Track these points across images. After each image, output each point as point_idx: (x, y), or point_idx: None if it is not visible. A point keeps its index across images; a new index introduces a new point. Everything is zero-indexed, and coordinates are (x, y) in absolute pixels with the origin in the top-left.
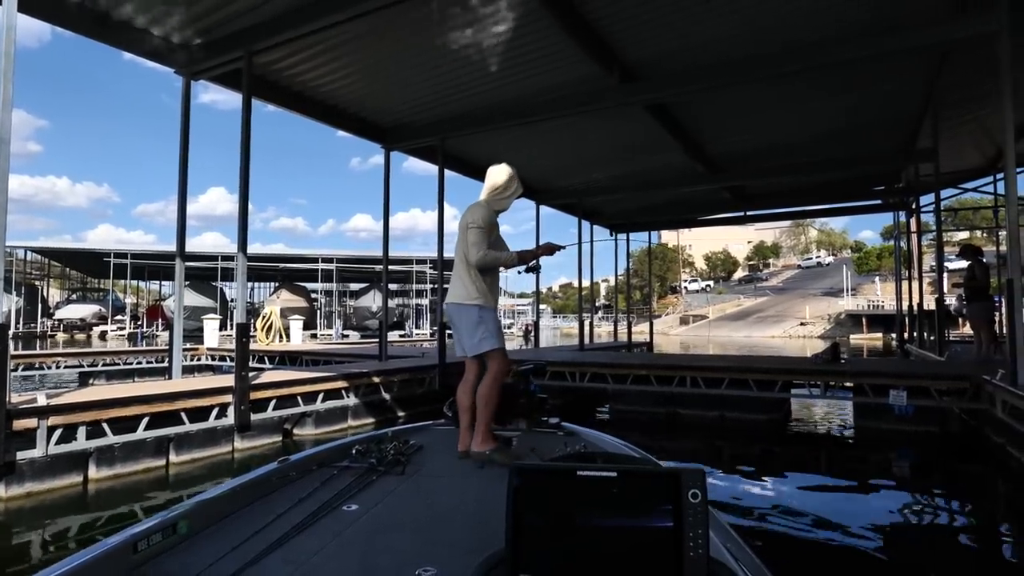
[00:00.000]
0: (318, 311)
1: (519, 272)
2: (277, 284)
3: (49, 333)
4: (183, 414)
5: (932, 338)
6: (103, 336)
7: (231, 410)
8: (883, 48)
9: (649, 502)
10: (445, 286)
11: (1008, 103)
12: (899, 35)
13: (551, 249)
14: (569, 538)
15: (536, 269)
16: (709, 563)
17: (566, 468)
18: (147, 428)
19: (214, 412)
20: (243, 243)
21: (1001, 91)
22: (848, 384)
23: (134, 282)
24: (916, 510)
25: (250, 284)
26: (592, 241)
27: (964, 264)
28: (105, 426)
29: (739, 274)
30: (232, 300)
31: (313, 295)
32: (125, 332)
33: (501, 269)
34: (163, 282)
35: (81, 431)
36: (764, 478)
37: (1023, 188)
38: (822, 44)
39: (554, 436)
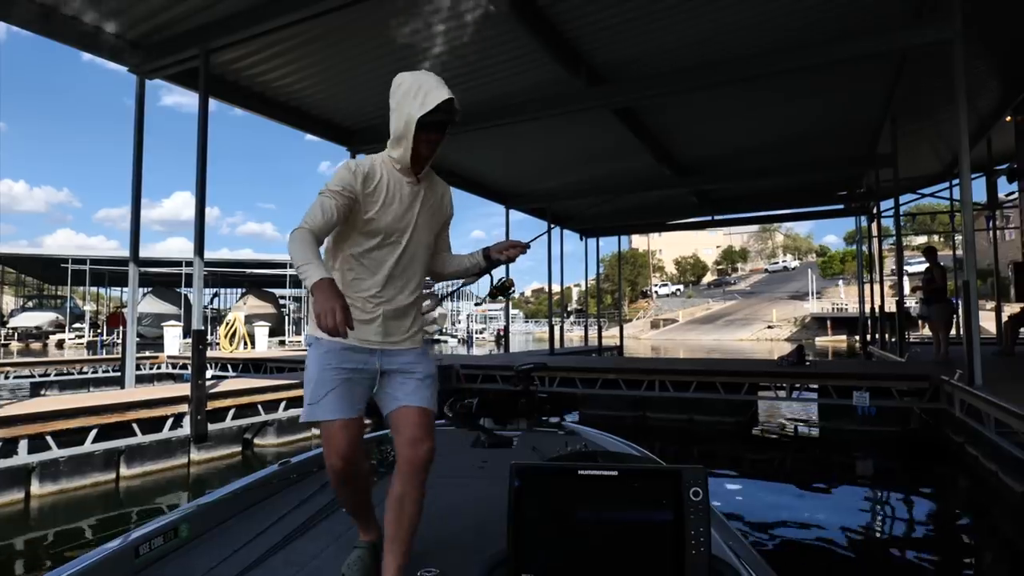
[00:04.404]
0: (287, 317)
1: (483, 300)
2: (244, 290)
3: (2, 342)
4: (135, 425)
5: (893, 340)
6: (60, 345)
7: (187, 420)
8: (842, 53)
9: (650, 500)
10: None
11: (963, 110)
12: (858, 41)
13: (512, 250)
14: (571, 537)
15: (505, 290)
16: (711, 561)
17: (567, 467)
18: (96, 440)
19: (168, 423)
20: (200, 247)
21: (956, 98)
22: (813, 386)
23: (94, 289)
24: (879, 510)
25: (217, 290)
26: (558, 231)
27: (924, 267)
28: (49, 439)
29: (708, 278)
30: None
31: (282, 301)
32: (84, 341)
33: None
34: (124, 289)
35: (23, 444)
36: (732, 480)
37: (978, 194)
38: (785, 49)
39: (555, 435)
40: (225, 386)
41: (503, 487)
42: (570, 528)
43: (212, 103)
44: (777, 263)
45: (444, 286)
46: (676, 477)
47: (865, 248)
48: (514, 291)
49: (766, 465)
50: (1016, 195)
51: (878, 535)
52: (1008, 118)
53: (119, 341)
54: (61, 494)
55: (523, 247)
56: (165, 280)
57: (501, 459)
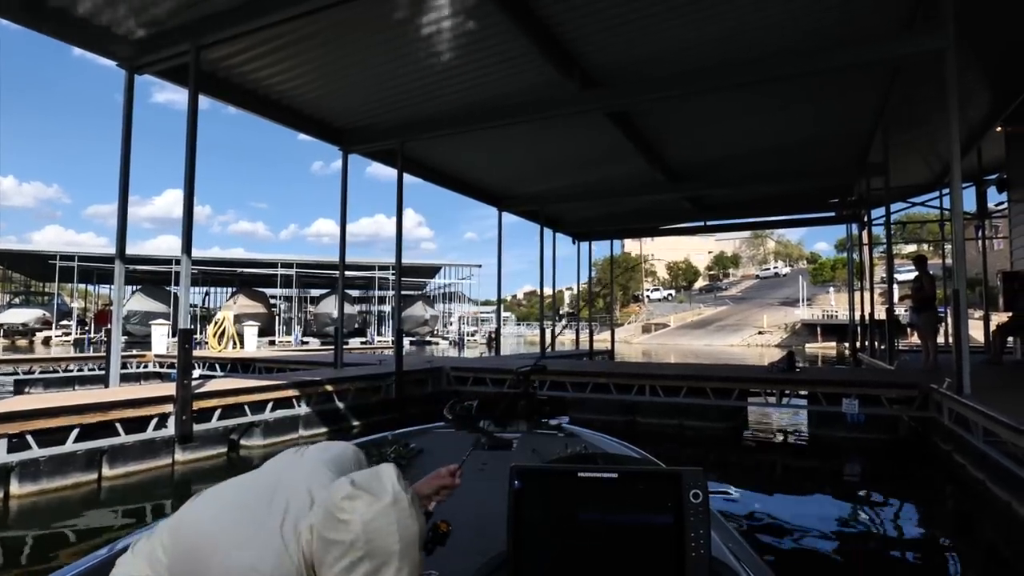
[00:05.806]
0: (277, 317)
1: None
2: (234, 289)
3: None
4: (118, 424)
5: (883, 347)
6: (47, 342)
7: (171, 420)
8: (836, 63)
9: (650, 503)
10: (403, 292)
11: (954, 119)
12: (851, 50)
13: (444, 492)
14: (571, 539)
15: (441, 540)
16: (711, 563)
17: (567, 469)
18: (78, 440)
19: (153, 422)
20: (187, 245)
21: (948, 108)
22: (802, 393)
23: (82, 286)
24: (868, 518)
25: (207, 289)
26: (550, 234)
27: (914, 275)
28: (30, 438)
29: (700, 283)
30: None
31: (273, 301)
32: (71, 338)
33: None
34: (113, 286)
35: (2, 443)
36: (722, 484)
37: (968, 204)
38: (779, 56)
39: (555, 437)
40: (212, 386)
41: (503, 489)
42: (570, 530)
43: (204, 100)
44: (768, 269)
45: (437, 287)
46: (676, 480)
47: (856, 256)
48: (451, 532)
49: (756, 471)
50: (1005, 205)
51: (866, 542)
52: (999, 128)
53: (107, 339)
54: (42, 494)
55: (453, 481)
56: (155, 278)
57: (501, 461)
